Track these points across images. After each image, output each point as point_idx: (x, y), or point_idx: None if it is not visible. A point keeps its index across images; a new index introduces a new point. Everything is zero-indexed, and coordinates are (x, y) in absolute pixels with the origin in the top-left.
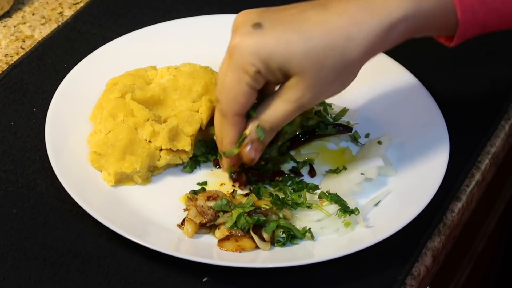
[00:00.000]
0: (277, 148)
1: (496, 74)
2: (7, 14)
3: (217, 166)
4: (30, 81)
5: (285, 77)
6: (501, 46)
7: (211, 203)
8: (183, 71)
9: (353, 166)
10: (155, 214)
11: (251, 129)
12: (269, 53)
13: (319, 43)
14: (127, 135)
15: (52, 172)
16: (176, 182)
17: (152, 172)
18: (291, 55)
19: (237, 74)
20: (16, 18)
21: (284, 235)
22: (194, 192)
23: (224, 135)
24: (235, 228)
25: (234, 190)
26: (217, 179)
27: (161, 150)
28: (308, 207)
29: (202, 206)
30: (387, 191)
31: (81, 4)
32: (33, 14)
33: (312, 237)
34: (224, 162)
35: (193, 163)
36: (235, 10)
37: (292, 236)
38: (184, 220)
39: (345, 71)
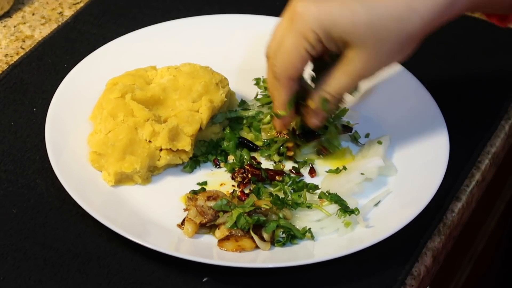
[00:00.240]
0: (276, 150)
1: (496, 74)
2: (7, 14)
3: (217, 166)
4: (30, 81)
5: (345, 46)
6: (501, 46)
7: (211, 203)
8: (183, 71)
9: (353, 166)
10: (155, 214)
11: (315, 100)
12: (332, 22)
13: (383, 14)
14: (127, 135)
15: (52, 172)
16: (176, 182)
17: (152, 172)
18: (354, 26)
19: (297, 39)
20: (16, 18)
21: (284, 235)
22: (194, 192)
23: (276, 96)
24: (235, 228)
25: (234, 190)
26: (217, 179)
27: (161, 150)
28: (308, 207)
29: (202, 206)
30: (387, 191)
31: (81, 4)
32: (33, 14)
33: (312, 237)
34: (276, 122)
35: (193, 163)
36: (235, 10)
37: (292, 236)
38: (184, 220)
39: (407, 42)
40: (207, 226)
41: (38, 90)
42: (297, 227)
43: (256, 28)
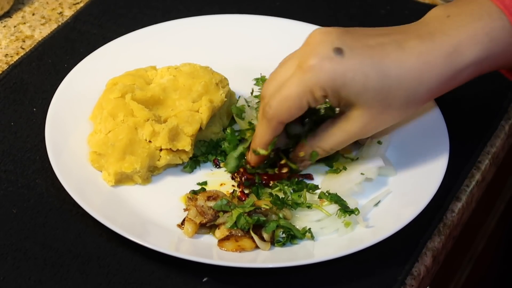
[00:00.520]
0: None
1: (496, 74)
2: (7, 14)
3: (217, 166)
4: (30, 81)
5: (349, 106)
6: None
7: (211, 203)
8: (183, 71)
9: (353, 166)
10: (155, 214)
11: (306, 152)
12: (344, 83)
13: (393, 83)
14: (127, 135)
15: (52, 172)
16: (176, 182)
17: (152, 172)
18: (365, 90)
19: (303, 90)
20: (16, 18)
21: (284, 235)
22: (194, 192)
23: (261, 134)
24: (235, 228)
25: (234, 190)
26: (217, 179)
27: (161, 150)
28: (308, 207)
29: (202, 206)
30: (387, 191)
31: (81, 4)
32: (33, 14)
33: (312, 237)
34: (252, 157)
35: (193, 163)
36: (235, 10)
37: (292, 236)
38: (184, 220)
39: (410, 108)
40: (207, 226)
41: (38, 90)
42: (297, 227)
43: (256, 28)
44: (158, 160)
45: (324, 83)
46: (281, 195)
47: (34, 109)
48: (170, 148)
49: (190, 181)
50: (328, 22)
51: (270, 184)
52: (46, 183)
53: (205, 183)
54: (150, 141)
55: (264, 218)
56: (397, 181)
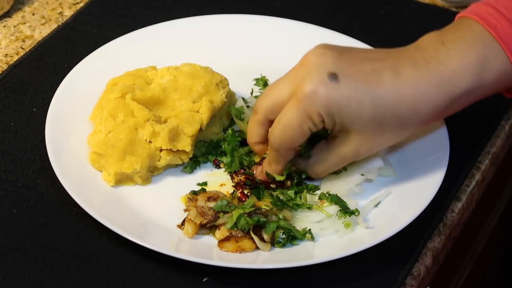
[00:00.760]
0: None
1: None
2: (7, 14)
3: (217, 167)
4: (30, 81)
5: (343, 131)
6: None
7: (211, 204)
8: (183, 71)
9: (353, 167)
10: (155, 214)
11: (298, 169)
12: (338, 109)
13: (387, 112)
14: (127, 136)
15: (52, 172)
16: (176, 182)
17: (152, 173)
18: (358, 116)
19: (302, 118)
20: (16, 18)
21: (284, 236)
22: (194, 193)
23: (275, 165)
24: (235, 229)
25: (234, 190)
26: (217, 179)
27: (161, 150)
28: (309, 208)
29: (202, 206)
30: (387, 192)
31: (81, 4)
32: (33, 14)
33: (312, 238)
34: (262, 176)
35: (193, 164)
36: (235, 10)
37: (292, 237)
38: (184, 220)
39: (403, 134)
40: (207, 226)
41: (38, 90)
42: (297, 228)
43: (256, 28)
44: (158, 160)
45: (319, 109)
46: (283, 197)
47: (34, 109)
48: (170, 149)
49: (190, 182)
50: (328, 22)
51: (272, 186)
52: (46, 183)
53: (205, 183)
54: (150, 142)
55: (264, 219)
56: (397, 182)
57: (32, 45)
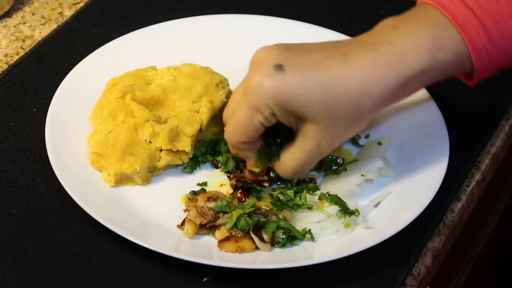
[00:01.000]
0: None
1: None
2: (7, 14)
3: (216, 167)
4: (30, 81)
5: (298, 121)
6: None
7: (211, 204)
8: (183, 72)
9: (353, 167)
10: (155, 214)
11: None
12: (286, 98)
13: (336, 96)
14: (127, 136)
15: (52, 172)
16: (176, 182)
17: (152, 173)
18: (308, 104)
19: (251, 111)
20: (16, 18)
21: (284, 236)
22: (194, 193)
23: (247, 160)
24: (235, 229)
25: (233, 191)
26: (217, 179)
27: (161, 150)
28: (309, 208)
29: (202, 207)
30: (387, 192)
31: (81, 4)
32: (33, 14)
33: (312, 238)
34: (249, 175)
35: (193, 164)
36: (235, 10)
37: (292, 237)
38: (184, 220)
39: (358, 121)
40: (207, 227)
41: (38, 90)
42: (297, 228)
43: (256, 28)
44: (158, 160)
45: (267, 100)
46: (282, 197)
47: (34, 109)
48: (170, 149)
49: (190, 182)
50: (328, 22)
51: (265, 185)
52: (46, 183)
53: (205, 183)
54: (150, 142)
55: (264, 219)
56: (397, 182)
57: (32, 45)
